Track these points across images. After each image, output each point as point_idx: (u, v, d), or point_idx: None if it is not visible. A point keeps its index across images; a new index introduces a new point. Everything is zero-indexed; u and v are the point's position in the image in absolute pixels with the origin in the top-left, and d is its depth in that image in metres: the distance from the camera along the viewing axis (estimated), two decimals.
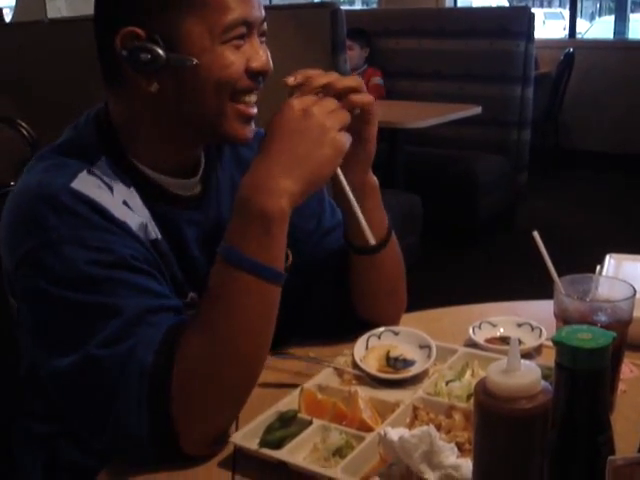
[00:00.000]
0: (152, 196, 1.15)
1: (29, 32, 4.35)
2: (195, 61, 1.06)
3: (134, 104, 1.13)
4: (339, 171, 1.10)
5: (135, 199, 1.12)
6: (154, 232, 1.13)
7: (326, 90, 1.07)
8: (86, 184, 1.07)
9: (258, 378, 1.06)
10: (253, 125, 1.15)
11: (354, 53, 5.13)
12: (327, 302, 1.34)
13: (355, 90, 1.10)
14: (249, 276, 1.01)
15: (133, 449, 1.01)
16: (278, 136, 1.04)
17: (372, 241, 1.12)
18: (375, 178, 1.22)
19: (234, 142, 1.19)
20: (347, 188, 1.12)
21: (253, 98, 1.13)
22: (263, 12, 1.13)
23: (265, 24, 1.14)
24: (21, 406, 1.26)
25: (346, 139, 1.05)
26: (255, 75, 1.11)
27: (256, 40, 1.11)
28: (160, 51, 1.05)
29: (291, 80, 1.07)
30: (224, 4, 1.06)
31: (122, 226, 1.07)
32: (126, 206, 1.10)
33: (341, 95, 1.08)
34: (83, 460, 1.15)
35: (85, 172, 1.08)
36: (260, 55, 1.11)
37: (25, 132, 2.56)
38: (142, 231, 1.11)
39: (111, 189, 1.09)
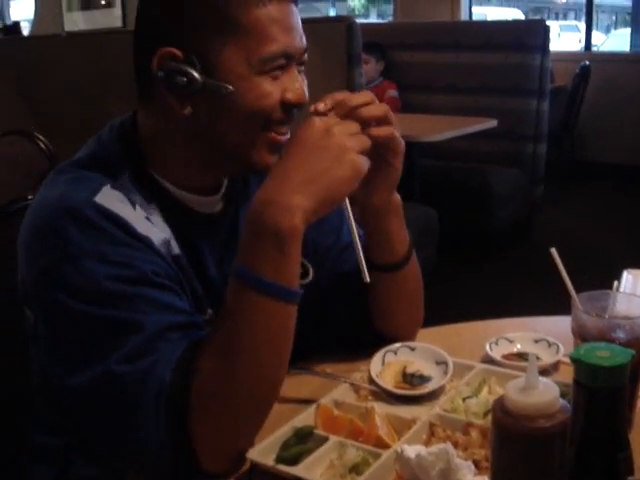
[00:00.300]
0: (172, 212, 1.14)
1: (46, 45, 4.39)
2: (231, 89, 1.05)
3: (165, 123, 1.12)
4: (347, 204, 1.09)
5: (156, 214, 1.12)
6: (176, 248, 1.13)
7: (351, 115, 1.06)
8: (109, 198, 1.06)
9: (277, 397, 1.05)
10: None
11: (369, 67, 5.15)
12: (345, 317, 1.33)
13: (380, 119, 1.09)
14: (266, 298, 0.99)
15: (152, 465, 1.01)
16: (296, 152, 1.02)
17: (367, 279, 1.10)
18: (398, 197, 1.22)
19: (260, 170, 1.16)
20: (352, 220, 1.10)
21: (285, 128, 1.12)
22: (304, 42, 1.11)
23: (306, 54, 1.12)
24: (32, 418, 1.25)
25: (365, 162, 1.03)
26: (289, 107, 1.10)
27: (294, 71, 1.10)
28: (196, 75, 1.04)
29: (322, 106, 1.05)
30: (266, 35, 1.04)
31: (145, 241, 1.07)
32: (149, 221, 1.10)
33: (365, 123, 1.07)
34: (95, 474, 1.14)
35: (109, 186, 1.08)
36: (297, 87, 1.09)
37: (42, 145, 2.57)
38: (165, 246, 1.10)
39: (134, 204, 1.09)
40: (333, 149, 1.01)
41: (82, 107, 3.88)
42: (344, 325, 1.33)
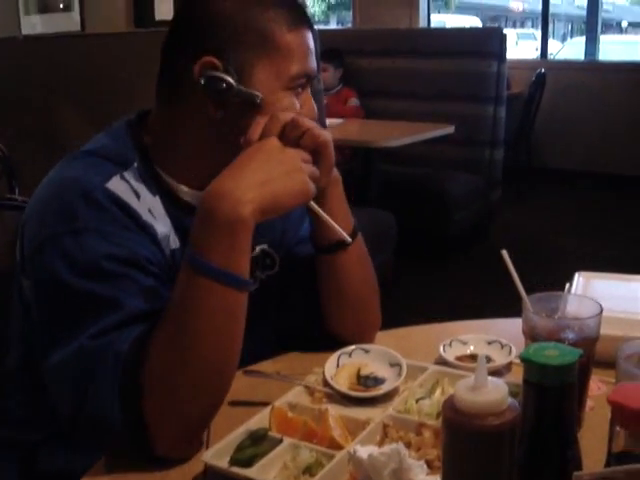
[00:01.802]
0: (174, 206, 1.21)
1: (3, 48, 4.34)
2: (261, 97, 1.15)
3: (190, 123, 1.20)
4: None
5: (159, 208, 1.19)
6: (174, 242, 1.19)
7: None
8: (119, 187, 1.14)
9: (229, 384, 1.08)
10: None
11: (328, 74, 5.16)
12: (301, 316, 1.35)
13: (300, 130, 1.15)
14: (216, 284, 1.03)
15: (107, 439, 1.05)
16: (253, 158, 1.09)
17: (348, 239, 1.19)
18: (337, 173, 1.27)
19: None
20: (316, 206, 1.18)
21: None
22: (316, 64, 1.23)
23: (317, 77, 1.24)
24: (1, 414, 1.27)
25: (312, 188, 1.12)
26: None
27: (309, 90, 1.22)
28: (233, 83, 1.14)
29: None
30: (295, 56, 1.17)
31: (148, 230, 1.15)
32: (150, 214, 1.16)
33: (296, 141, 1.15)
34: (64, 468, 1.16)
35: (118, 176, 1.15)
36: (311, 105, 1.22)
37: None
38: (165, 240, 1.17)
39: (139, 196, 1.16)
40: (287, 164, 1.10)
41: (39, 111, 3.84)
42: (299, 327, 1.36)
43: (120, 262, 1.08)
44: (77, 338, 1.04)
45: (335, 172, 1.26)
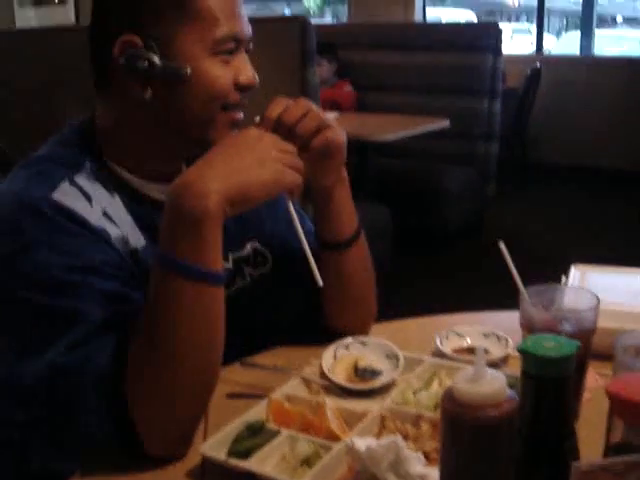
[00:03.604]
0: (135, 202, 1.17)
1: None
2: (188, 70, 1.09)
3: (125, 110, 1.15)
4: (292, 211, 1.14)
5: (117, 206, 1.14)
6: (134, 242, 1.14)
7: (290, 137, 1.12)
8: (66, 195, 1.09)
9: (213, 383, 1.06)
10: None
11: (323, 69, 5.15)
12: (297, 310, 1.35)
13: (317, 128, 1.15)
14: (186, 281, 1.00)
15: (100, 449, 1.03)
16: (224, 149, 1.06)
17: (320, 282, 1.12)
18: (345, 171, 1.27)
19: None
20: (298, 226, 1.14)
21: (240, 112, 1.17)
22: (250, 31, 1.17)
23: (251, 43, 1.18)
24: None
25: (290, 177, 1.07)
26: (242, 89, 1.15)
27: (244, 55, 1.16)
28: (156, 59, 1.09)
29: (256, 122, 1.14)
30: (217, 20, 1.10)
31: (99, 234, 1.09)
32: (106, 217, 1.11)
33: (305, 138, 1.14)
34: (54, 465, 1.13)
35: (67, 183, 1.10)
36: (247, 70, 1.15)
37: None
38: (121, 243, 1.12)
39: (90, 200, 1.11)
40: (258, 152, 1.06)
41: (32, 105, 3.83)
42: (297, 319, 1.35)
43: (75, 271, 1.03)
44: (45, 356, 1.00)
45: (343, 171, 1.25)
